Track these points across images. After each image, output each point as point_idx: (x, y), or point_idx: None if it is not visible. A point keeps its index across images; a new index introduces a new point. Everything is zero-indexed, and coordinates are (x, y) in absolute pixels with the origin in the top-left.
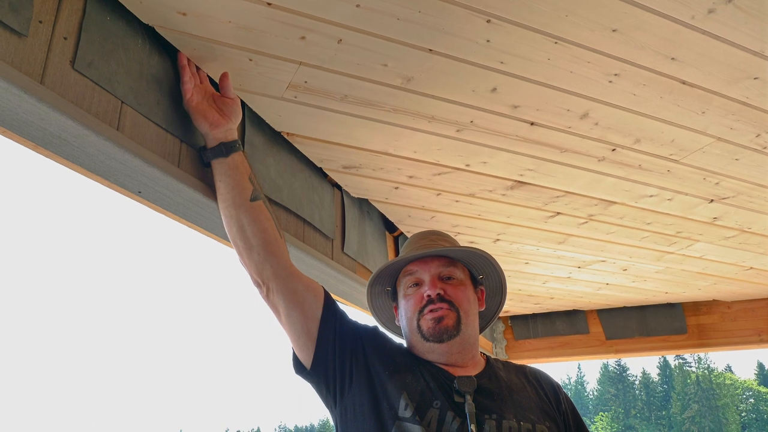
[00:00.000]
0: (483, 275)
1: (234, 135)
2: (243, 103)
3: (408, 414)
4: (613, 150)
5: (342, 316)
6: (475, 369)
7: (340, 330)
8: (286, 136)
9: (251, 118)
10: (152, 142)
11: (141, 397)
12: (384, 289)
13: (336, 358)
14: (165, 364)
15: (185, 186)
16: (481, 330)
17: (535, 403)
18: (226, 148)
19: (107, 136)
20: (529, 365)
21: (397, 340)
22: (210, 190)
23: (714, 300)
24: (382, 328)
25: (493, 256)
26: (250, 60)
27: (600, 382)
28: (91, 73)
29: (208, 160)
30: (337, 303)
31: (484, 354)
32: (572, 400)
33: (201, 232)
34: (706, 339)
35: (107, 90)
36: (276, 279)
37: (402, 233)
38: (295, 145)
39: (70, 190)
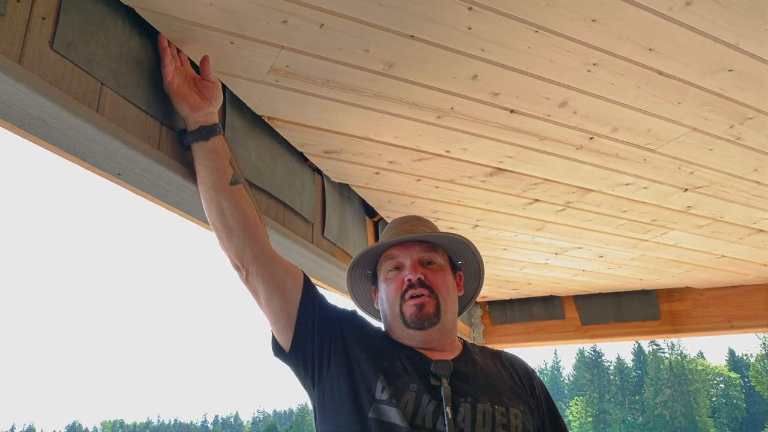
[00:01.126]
0: (462, 260)
1: (215, 119)
2: (224, 87)
3: (385, 396)
4: (591, 138)
5: (321, 299)
6: (452, 353)
7: (320, 313)
8: (267, 120)
9: (232, 101)
10: (132, 124)
11: (118, 382)
12: (364, 272)
13: (315, 341)
14: (142, 349)
15: (165, 168)
16: (459, 314)
17: (509, 388)
18: (206, 132)
19: (87, 117)
20: (504, 351)
21: (375, 324)
22: (190, 173)
23: (687, 287)
24: (361, 312)
25: (473, 242)
26: (232, 43)
27: (576, 367)
28: (70, 54)
29: (188, 144)
30: (317, 287)
31: (461, 339)
32: (548, 385)
33: (181, 215)
34: (678, 325)
35: (87, 71)
36: (256, 263)
37: (382, 218)
38: (276, 130)
39: (49, 172)
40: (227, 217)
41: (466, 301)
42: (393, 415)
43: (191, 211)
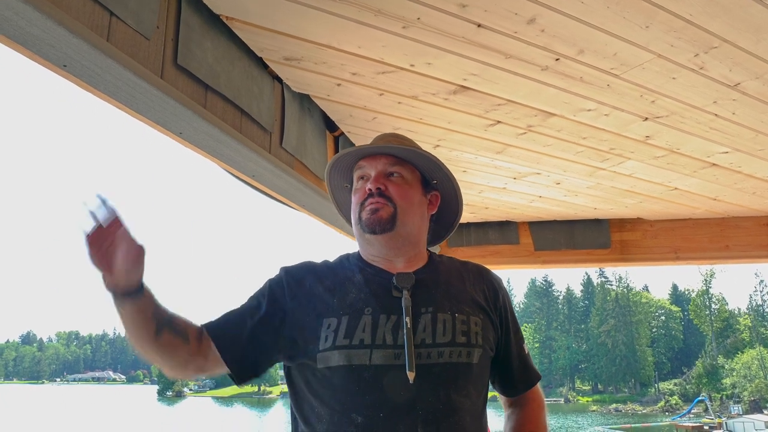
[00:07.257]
0: (436, 180)
1: (139, 280)
2: None
3: (328, 344)
4: (557, 60)
5: (254, 316)
6: (416, 265)
7: (265, 321)
8: (225, 21)
9: None
10: (78, 11)
11: (73, 293)
12: (342, 185)
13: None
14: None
15: (115, 62)
16: (444, 237)
17: (471, 298)
18: (132, 297)
19: None
20: (472, 262)
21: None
22: (145, 70)
23: (638, 218)
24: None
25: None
26: None
27: (527, 296)
28: None
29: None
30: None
31: (429, 251)
32: None
33: (130, 114)
34: (627, 254)
35: None
36: (206, 369)
37: (343, 133)
38: (235, 31)
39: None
40: (164, 363)
41: (451, 223)
42: (335, 357)
43: (144, 110)
